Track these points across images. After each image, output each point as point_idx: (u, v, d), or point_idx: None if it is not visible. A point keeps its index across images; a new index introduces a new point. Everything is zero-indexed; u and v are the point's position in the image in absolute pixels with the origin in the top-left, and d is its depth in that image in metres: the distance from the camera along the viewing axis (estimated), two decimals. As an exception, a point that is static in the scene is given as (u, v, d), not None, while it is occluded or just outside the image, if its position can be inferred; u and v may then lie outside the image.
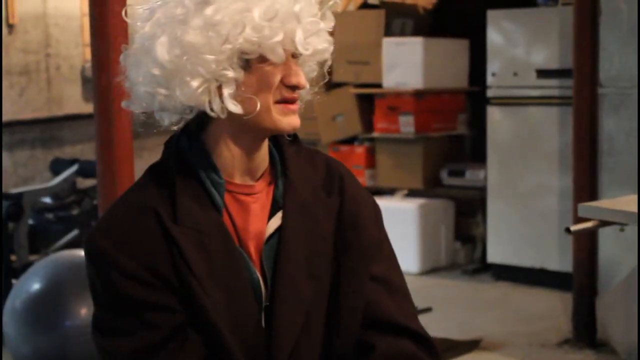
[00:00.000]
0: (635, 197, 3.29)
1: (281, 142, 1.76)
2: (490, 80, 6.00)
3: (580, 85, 4.74)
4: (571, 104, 4.89)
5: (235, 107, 1.61)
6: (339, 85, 6.65)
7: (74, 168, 5.98)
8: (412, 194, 6.46)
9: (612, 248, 4.57)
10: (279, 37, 1.59)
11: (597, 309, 4.62)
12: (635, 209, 2.94)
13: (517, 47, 5.89)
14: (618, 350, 4.39)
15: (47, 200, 6.06)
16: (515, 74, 5.90)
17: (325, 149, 6.65)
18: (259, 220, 1.70)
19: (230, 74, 1.60)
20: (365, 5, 7.06)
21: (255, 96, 1.61)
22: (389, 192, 6.53)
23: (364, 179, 6.52)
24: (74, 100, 7.08)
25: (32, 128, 6.71)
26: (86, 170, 5.91)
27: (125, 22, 1.71)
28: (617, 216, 2.98)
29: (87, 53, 6.97)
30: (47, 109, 6.88)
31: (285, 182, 1.73)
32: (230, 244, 1.66)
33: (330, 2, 1.69)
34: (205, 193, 1.67)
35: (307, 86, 1.69)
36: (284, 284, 1.67)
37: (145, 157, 6.90)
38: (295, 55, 1.65)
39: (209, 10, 1.58)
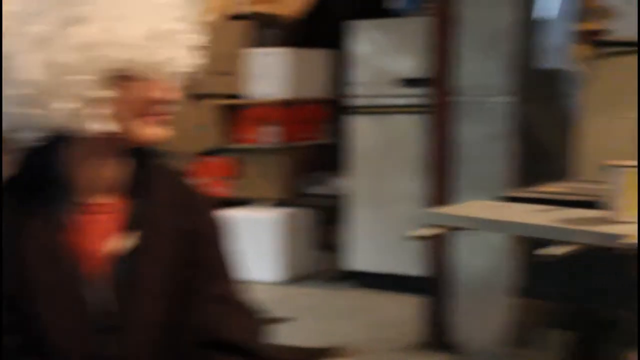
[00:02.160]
0: (477, 202, 3.36)
1: (142, 159, 1.73)
2: (354, 89, 6.06)
3: (436, 94, 4.82)
4: (431, 112, 4.96)
5: (104, 126, 1.59)
6: (204, 96, 6.61)
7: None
8: (276, 203, 6.48)
9: (465, 252, 4.64)
10: (148, 56, 1.58)
11: (451, 312, 4.70)
12: (475, 214, 3.00)
13: (381, 57, 5.97)
14: (470, 352, 4.48)
15: None
16: (378, 83, 5.98)
17: (190, 159, 6.60)
18: (111, 239, 1.67)
19: (100, 93, 1.57)
20: (231, 16, 7.03)
21: (124, 113, 1.60)
22: (253, 202, 6.54)
23: (228, 189, 6.50)
24: None
25: None
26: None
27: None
28: (460, 222, 3.03)
29: None
30: None
31: (141, 200, 1.70)
32: (75, 266, 1.63)
33: (196, 17, 1.68)
34: (53, 212, 1.63)
35: (177, 99, 1.68)
36: (132, 306, 1.65)
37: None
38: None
39: (79, 30, 1.55)
